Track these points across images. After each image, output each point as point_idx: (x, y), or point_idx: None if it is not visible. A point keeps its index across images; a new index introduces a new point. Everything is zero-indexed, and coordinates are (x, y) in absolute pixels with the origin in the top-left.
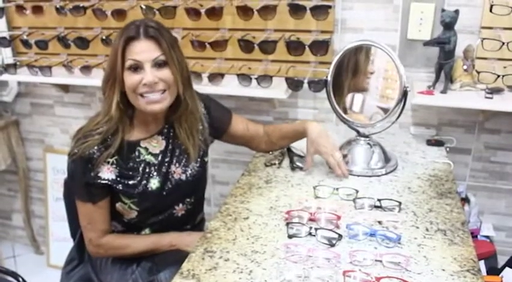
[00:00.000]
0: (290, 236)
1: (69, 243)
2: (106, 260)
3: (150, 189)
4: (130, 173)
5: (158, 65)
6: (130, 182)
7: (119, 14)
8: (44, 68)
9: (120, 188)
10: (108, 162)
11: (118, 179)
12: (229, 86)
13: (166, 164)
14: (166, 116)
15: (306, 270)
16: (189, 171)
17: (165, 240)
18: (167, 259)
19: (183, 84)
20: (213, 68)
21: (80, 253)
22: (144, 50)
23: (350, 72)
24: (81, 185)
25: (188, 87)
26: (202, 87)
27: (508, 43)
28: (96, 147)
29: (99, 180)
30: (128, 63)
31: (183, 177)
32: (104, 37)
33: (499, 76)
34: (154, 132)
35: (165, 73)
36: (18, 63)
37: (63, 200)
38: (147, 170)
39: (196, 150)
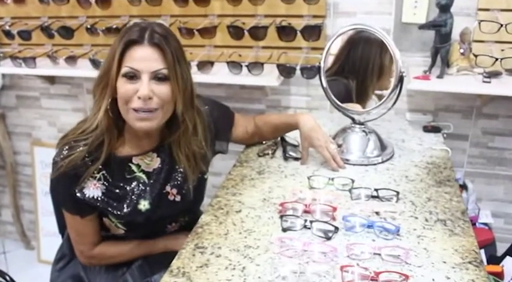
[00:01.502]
0: (284, 229)
1: (60, 238)
2: None
3: (139, 211)
4: (118, 191)
5: (158, 78)
6: (118, 203)
7: (104, 1)
8: (28, 59)
9: (106, 207)
10: (95, 178)
11: (104, 197)
12: (219, 74)
13: (160, 184)
14: (162, 134)
15: (301, 265)
16: (185, 192)
17: (159, 245)
18: (161, 260)
19: (184, 104)
20: (202, 56)
21: (70, 249)
22: (145, 58)
23: (375, 76)
24: (67, 200)
25: (190, 107)
26: (192, 75)
27: (506, 25)
28: (81, 162)
29: (84, 197)
30: (124, 70)
31: (178, 198)
32: (88, 26)
33: (497, 59)
34: (149, 149)
35: (164, 89)
36: (1, 54)
37: (51, 195)
38: (138, 190)
39: (196, 174)
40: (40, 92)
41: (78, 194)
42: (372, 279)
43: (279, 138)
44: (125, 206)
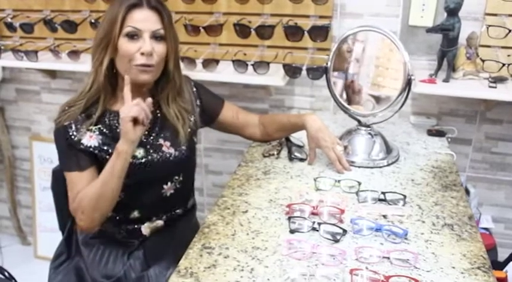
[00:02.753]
0: (292, 231)
1: (57, 234)
2: (95, 253)
3: (135, 156)
4: (114, 142)
5: (156, 37)
6: (114, 150)
7: None
8: (30, 53)
9: (104, 155)
10: (91, 131)
11: (101, 146)
12: (225, 73)
13: (153, 137)
14: (151, 93)
15: (310, 268)
16: (178, 147)
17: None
18: (158, 254)
19: (175, 61)
20: (207, 54)
21: (68, 247)
22: (145, 19)
23: None
24: (66, 153)
25: (178, 67)
26: (197, 73)
27: None
28: (78, 117)
29: (82, 147)
30: (126, 29)
31: (171, 151)
32: (92, 20)
33: (504, 65)
34: None
35: (161, 47)
36: (2, 47)
37: (51, 190)
38: None
39: (186, 130)
40: (40, 86)
41: (76, 145)
42: None
43: (284, 139)
44: None
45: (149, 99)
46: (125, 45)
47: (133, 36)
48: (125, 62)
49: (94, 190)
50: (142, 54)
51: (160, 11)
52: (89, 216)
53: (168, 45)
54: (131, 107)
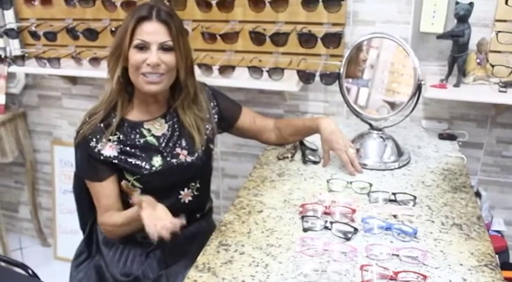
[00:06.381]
0: (305, 230)
1: (77, 236)
2: (115, 252)
3: (153, 167)
4: (133, 150)
5: (164, 48)
6: (133, 160)
7: (129, 5)
8: (53, 60)
9: (122, 164)
10: (110, 140)
11: (120, 156)
12: (240, 79)
13: (170, 146)
14: (168, 102)
15: (322, 264)
16: (194, 155)
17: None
18: (176, 254)
19: (186, 71)
20: (224, 61)
21: (89, 246)
22: (153, 32)
23: None
24: (87, 165)
25: (190, 75)
26: (213, 79)
27: None
28: (98, 126)
29: (102, 158)
30: (135, 42)
31: (188, 159)
32: (113, 29)
33: None
34: (158, 115)
35: (169, 57)
36: (26, 54)
37: (73, 192)
38: (150, 150)
39: (202, 138)
40: (62, 92)
41: (97, 157)
42: (391, 279)
43: (298, 142)
44: (138, 164)
45: (183, 221)
46: (133, 55)
47: (142, 47)
48: (134, 71)
49: (118, 230)
50: (148, 64)
51: (169, 23)
52: (113, 231)
53: (176, 55)
54: (155, 229)
